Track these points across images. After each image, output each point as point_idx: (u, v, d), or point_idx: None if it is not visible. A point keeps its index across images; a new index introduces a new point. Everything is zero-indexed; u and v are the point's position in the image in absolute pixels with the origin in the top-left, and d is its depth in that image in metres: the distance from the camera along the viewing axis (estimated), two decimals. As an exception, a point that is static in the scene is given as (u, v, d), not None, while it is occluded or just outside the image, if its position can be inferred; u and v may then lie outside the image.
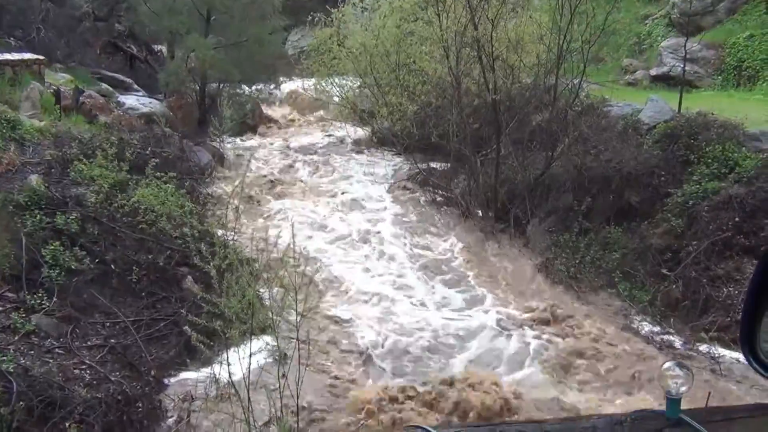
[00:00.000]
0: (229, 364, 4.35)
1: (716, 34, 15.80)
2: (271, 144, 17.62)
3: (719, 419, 1.88)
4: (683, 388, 1.79)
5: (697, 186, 8.92)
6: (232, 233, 7.63)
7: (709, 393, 4.21)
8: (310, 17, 18.80)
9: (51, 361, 5.62)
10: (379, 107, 15.63)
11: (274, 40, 17.21)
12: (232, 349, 4.84)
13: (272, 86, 19.47)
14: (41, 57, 12.48)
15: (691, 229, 8.65)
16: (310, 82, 19.32)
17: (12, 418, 4.79)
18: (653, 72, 16.17)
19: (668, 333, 7.77)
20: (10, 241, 6.51)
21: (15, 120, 9.32)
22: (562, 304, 8.51)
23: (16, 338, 5.71)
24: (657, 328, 7.89)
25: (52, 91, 11.66)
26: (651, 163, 9.70)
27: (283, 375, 4.30)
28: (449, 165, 13.18)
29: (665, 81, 15.51)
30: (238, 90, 17.17)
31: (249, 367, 4.20)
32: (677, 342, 7.59)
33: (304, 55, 21.00)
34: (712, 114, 10.08)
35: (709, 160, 9.14)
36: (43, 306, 6.19)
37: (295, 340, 4.43)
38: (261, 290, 4.75)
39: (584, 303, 8.60)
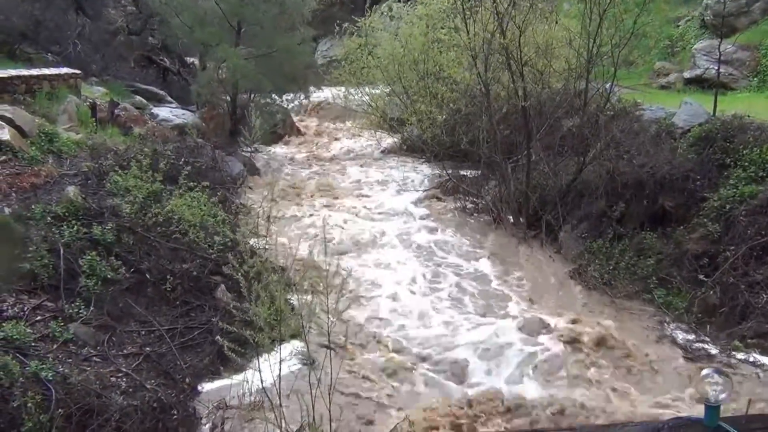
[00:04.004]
0: (260, 372, 4.37)
1: (751, 35, 15.51)
2: (302, 153, 17.79)
3: (759, 427, 1.83)
4: (722, 396, 1.75)
5: (734, 190, 8.73)
6: (264, 241, 7.71)
7: (750, 400, 4.09)
8: (338, 27, 18.97)
9: (88, 369, 5.70)
10: (408, 115, 15.68)
11: (304, 50, 17.35)
12: (263, 356, 4.86)
13: (302, 96, 19.65)
14: (77, 71, 12.79)
15: (728, 234, 8.45)
16: (339, 92, 19.45)
17: (51, 425, 4.89)
18: (687, 74, 15.93)
19: (705, 340, 7.61)
20: (48, 251, 6.65)
21: (53, 133, 9.57)
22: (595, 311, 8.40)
23: (55, 347, 5.81)
24: (693, 336, 7.74)
25: (88, 104, 11.93)
26: (686, 167, 9.51)
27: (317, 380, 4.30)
28: (479, 172, 13.13)
29: (699, 83, 15.27)
30: (268, 100, 17.35)
31: (279, 374, 4.21)
32: (714, 349, 7.42)
33: (333, 65, 21.17)
34: (749, 116, 9.86)
35: (746, 164, 8.94)
36: (81, 315, 6.30)
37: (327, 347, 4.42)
38: (291, 297, 4.77)
39: (619, 309, 8.46)
